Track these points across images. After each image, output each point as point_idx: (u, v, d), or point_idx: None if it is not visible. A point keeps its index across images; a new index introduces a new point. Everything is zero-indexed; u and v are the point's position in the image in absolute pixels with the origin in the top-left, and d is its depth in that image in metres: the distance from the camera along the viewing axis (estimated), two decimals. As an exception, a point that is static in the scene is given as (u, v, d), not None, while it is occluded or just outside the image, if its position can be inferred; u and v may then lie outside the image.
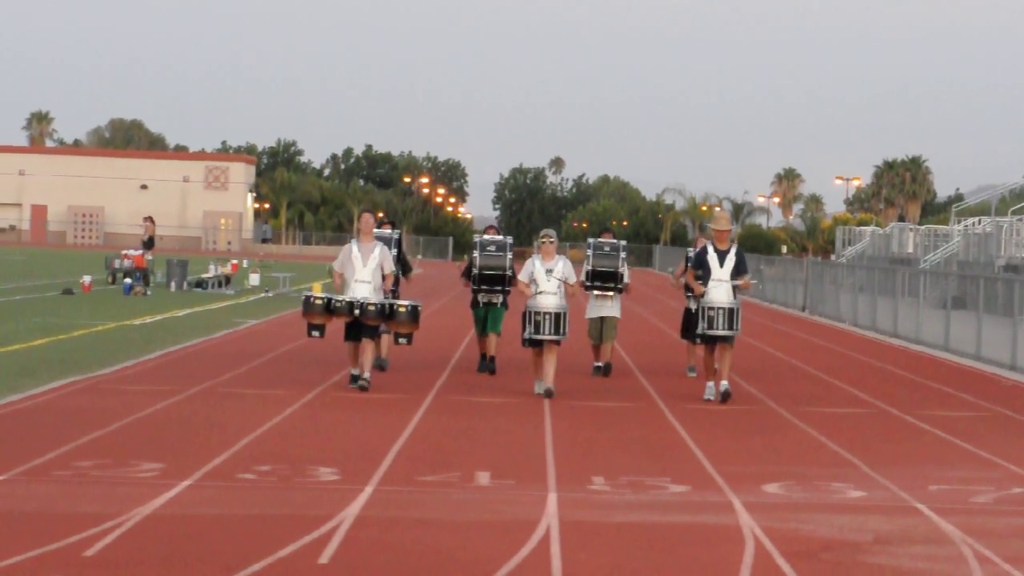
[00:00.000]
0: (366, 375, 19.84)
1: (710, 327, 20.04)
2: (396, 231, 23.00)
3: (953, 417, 19.86)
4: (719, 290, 20.09)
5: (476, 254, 22.61)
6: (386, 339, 22.03)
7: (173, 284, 48.01)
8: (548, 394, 19.77)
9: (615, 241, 23.44)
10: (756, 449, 16.12)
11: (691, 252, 22.66)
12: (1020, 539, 11.64)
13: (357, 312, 19.82)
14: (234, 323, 32.97)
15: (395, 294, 21.51)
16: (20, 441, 14.71)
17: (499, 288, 22.71)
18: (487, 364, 23.08)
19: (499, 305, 22.93)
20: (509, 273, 22.54)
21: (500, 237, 22.88)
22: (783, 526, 11.72)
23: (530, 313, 20.18)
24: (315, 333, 20.30)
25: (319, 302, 20.10)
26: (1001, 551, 11.01)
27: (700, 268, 20.30)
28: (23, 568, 9.50)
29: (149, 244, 49.62)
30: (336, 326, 20.68)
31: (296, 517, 11.40)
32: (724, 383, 20.10)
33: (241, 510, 11.76)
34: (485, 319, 23.01)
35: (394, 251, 21.65)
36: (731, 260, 20.16)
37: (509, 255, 22.58)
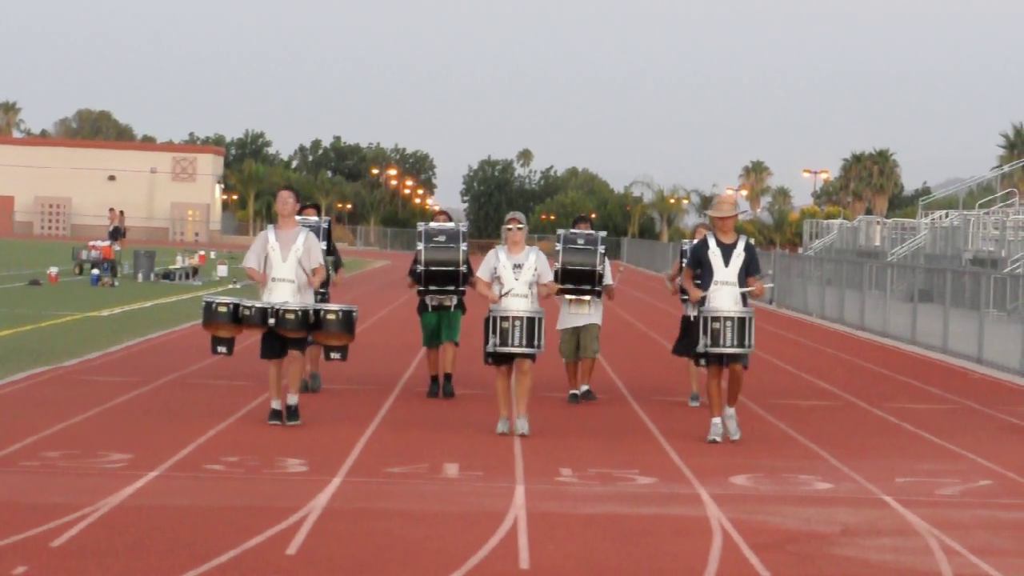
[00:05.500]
0: (293, 400, 15.94)
1: (715, 343, 15.74)
2: (325, 219, 18.68)
3: (920, 410, 19.93)
4: (724, 295, 15.78)
5: (420, 246, 18.22)
6: (312, 351, 17.85)
7: (140, 275, 47.93)
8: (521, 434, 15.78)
9: (592, 232, 18.82)
10: (724, 441, 16.13)
11: (686, 245, 18.44)
12: (986, 531, 11.69)
13: (272, 321, 15.85)
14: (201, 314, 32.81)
15: (324, 297, 17.86)
16: (-13, 432, 14.66)
17: (451, 288, 18.45)
18: (442, 386, 19.06)
19: (453, 308, 18.78)
20: (463, 269, 18.22)
21: (451, 225, 18.41)
22: (750, 518, 11.75)
23: (494, 319, 15.77)
24: (221, 349, 16.12)
25: (223, 309, 16.01)
26: (967, 543, 11.06)
27: (699, 267, 16.02)
28: (-10, 559, 9.47)
29: (115, 235, 49.50)
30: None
31: (264, 508, 11.38)
32: (732, 423, 16.05)
33: (209, 501, 11.73)
34: (437, 327, 18.90)
35: (323, 243, 17.41)
36: (739, 257, 15.82)
37: (463, 247, 18.19)
